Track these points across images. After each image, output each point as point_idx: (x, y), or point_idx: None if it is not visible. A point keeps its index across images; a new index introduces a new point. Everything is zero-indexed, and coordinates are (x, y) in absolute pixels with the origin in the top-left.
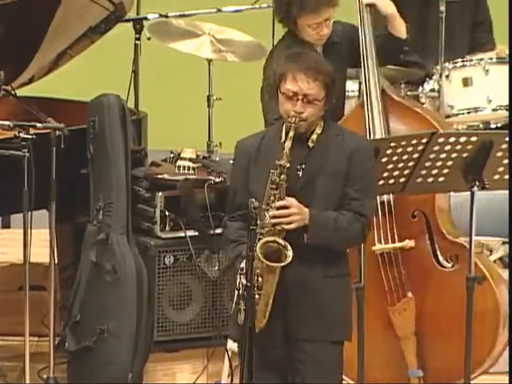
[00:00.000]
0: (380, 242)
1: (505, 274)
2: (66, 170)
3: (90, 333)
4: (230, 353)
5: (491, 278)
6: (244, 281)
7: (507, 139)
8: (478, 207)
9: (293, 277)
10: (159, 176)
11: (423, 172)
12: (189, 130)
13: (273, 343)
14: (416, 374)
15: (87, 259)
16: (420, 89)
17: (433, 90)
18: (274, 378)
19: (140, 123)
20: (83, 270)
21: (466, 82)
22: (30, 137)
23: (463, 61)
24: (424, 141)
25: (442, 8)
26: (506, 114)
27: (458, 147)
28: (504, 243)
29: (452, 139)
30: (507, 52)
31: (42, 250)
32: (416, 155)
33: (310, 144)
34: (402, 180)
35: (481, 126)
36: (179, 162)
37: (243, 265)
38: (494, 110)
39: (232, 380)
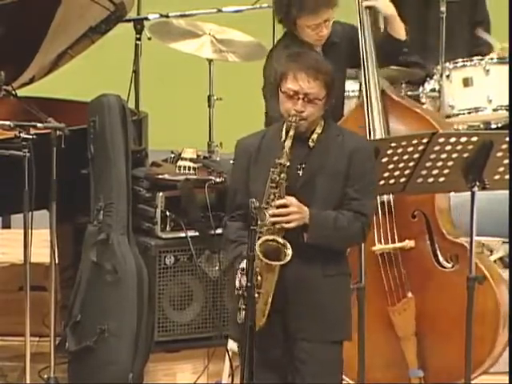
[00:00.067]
0: (380, 242)
1: (505, 274)
2: (67, 170)
3: (91, 333)
4: (230, 353)
5: (491, 278)
6: (244, 280)
7: (507, 139)
8: (479, 207)
9: (292, 275)
10: (160, 176)
11: (424, 172)
12: (189, 130)
13: (273, 342)
14: (416, 373)
15: (88, 259)
16: (420, 89)
17: (433, 90)
18: (274, 377)
19: (140, 123)
20: (84, 270)
21: (467, 82)
22: (31, 137)
23: (464, 61)
24: (424, 141)
25: (443, 8)
26: (507, 114)
27: (459, 147)
28: (504, 243)
29: (452, 139)
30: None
31: (42, 250)
32: (416, 155)
33: (311, 143)
34: (402, 180)
35: (481, 126)
36: (180, 162)
37: (243, 265)
38: (494, 110)
39: (233, 380)
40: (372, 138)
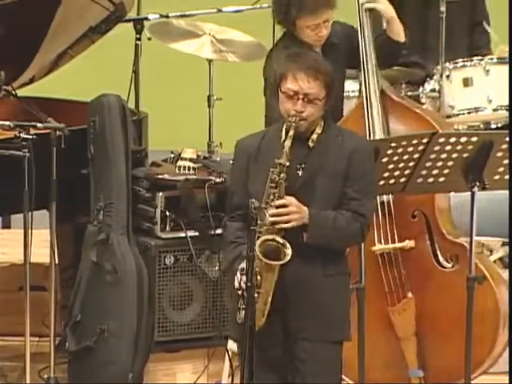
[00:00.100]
0: (380, 242)
1: (505, 274)
2: (67, 170)
3: (91, 333)
4: (230, 353)
5: (491, 279)
6: (244, 280)
7: (507, 139)
8: (479, 207)
9: (292, 275)
10: (160, 176)
11: (424, 172)
12: (189, 130)
13: (272, 342)
14: (416, 374)
15: (88, 259)
16: (420, 89)
17: (433, 90)
18: (274, 377)
19: (140, 123)
20: (84, 270)
21: (467, 82)
22: (31, 137)
23: (464, 61)
24: (425, 141)
25: (443, 8)
26: (507, 114)
27: (459, 147)
28: (504, 244)
29: (452, 139)
30: (507, 50)
31: (42, 250)
32: (416, 155)
33: (310, 144)
34: (402, 180)
35: (481, 126)
36: (180, 162)
37: (243, 265)
38: (494, 110)
39: (232, 380)
40: (372, 138)
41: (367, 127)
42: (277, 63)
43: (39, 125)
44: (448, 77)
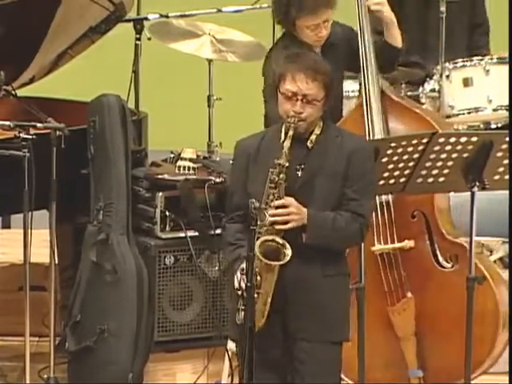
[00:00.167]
0: (379, 242)
1: (505, 274)
2: (67, 170)
3: (91, 333)
4: (230, 353)
5: (491, 279)
6: (244, 281)
7: (507, 139)
8: (478, 207)
9: (292, 276)
10: (159, 176)
11: (423, 172)
12: (189, 130)
13: (272, 343)
14: (416, 374)
15: (87, 259)
16: (420, 89)
17: (433, 90)
18: (274, 377)
19: (140, 123)
20: (83, 270)
21: (467, 82)
22: (31, 137)
23: (463, 61)
24: (424, 141)
25: (443, 8)
26: (507, 114)
27: (459, 147)
28: (504, 242)
29: (452, 139)
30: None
31: (42, 250)
32: (416, 155)
33: (309, 144)
34: (402, 180)
35: (481, 126)
36: (179, 162)
37: (243, 265)
38: (494, 110)
39: (232, 380)
40: (371, 138)
41: (367, 127)
42: (276, 64)
43: (39, 125)
44: (448, 77)
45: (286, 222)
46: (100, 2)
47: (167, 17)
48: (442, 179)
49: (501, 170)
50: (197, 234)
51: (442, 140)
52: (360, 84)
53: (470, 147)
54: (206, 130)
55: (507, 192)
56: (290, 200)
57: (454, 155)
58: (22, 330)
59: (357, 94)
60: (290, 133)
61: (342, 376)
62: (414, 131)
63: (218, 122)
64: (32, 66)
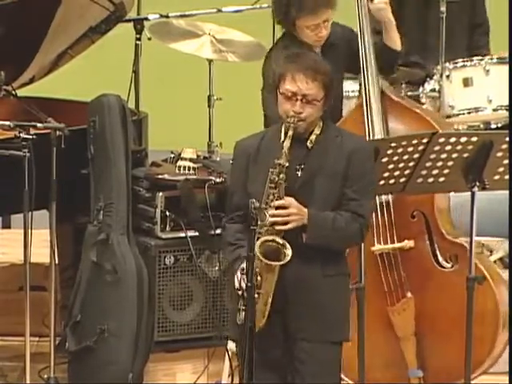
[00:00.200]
0: (379, 242)
1: (505, 274)
2: (67, 170)
3: (91, 333)
4: (230, 353)
5: (491, 279)
6: (244, 281)
7: (507, 139)
8: (479, 207)
9: (292, 276)
10: (160, 176)
11: (424, 172)
12: (189, 130)
13: (272, 343)
14: (416, 374)
15: (88, 259)
16: (420, 89)
17: (433, 90)
18: (274, 378)
19: (140, 123)
20: (84, 270)
21: (467, 82)
22: (31, 137)
23: (464, 61)
24: (425, 141)
25: (443, 8)
26: (507, 114)
27: (459, 147)
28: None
29: (452, 139)
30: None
31: (42, 250)
32: (416, 155)
33: (309, 144)
34: (402, 180)
35: (481, 126)
36: (180, 162)
37: (244, 265)
38: (494, 110)
39: (232, 380)
40: (371, 138)
41: (367, 127)
42: (276, 64)
43: (39, 125)
44: (448, 77)
45: (286, 223)
46: (100, 1)
47: (167, 17)
48: (442, 179)
49: (501, 170)
50: (197, 233)
51: (442, 140)
52: (360, 84)
53: (470, 147)
54: (206, 129)
55: (507, 192)
56: (290, 200)
57: (454, 155)
58: (22, 329)
59: (357, 94)
60: (290, 133)
61: (342, 376)
62: (413, 131)
63: (218, 121)
64: (32, 65)
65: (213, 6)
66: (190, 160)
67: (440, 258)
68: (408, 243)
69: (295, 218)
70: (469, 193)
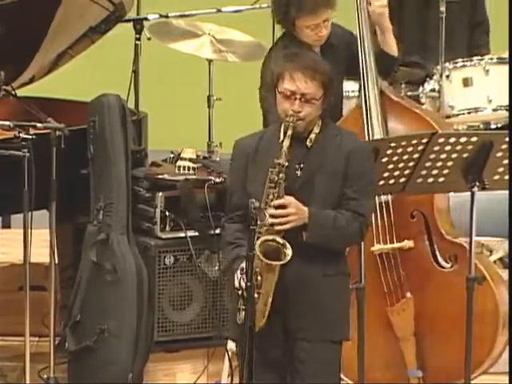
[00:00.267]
0: (379, 242)
1: (505, 274)
2: (66, 170)
3: (91, 333)
4: (230, 353)
5: (491, 279)
6: (244, 281)
7: (507, 139)
8: (478, 207)
9: (292, 275)
10: (159, 176)
11: (423, 172)
12: (189, 130)
13: (272, 342)
14: (415, 374)
15: (87, 259)
16: (420, 89)
17: (433, 90)
18: (274, 377)
19: (140, 123)
20: (83, 270)
21: (467, 82)
22: (30, 137)
23: (463, 61)
24: (424, 141)
25: (443, 8)
26: (506, 114)
27: (459, 147)
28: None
29: (452, 139)
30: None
31: (42, 250)
32: (416, 155)
33: (308, 143)
34: (402, 180)
35: (481, 126)
36: (179, 162)
37: (243, 265)
38: (494, 110)
39: (232, 380)
40: (371, 138)
41: (366, 128)
42: (274, 63)
43: (39, 125)
44: (448, 77)
45: (286, 223)
46: (100, 1)
47: (167, 17)
48: (441, 179)
49: (501, 170)
50: (197, 233)
51: (441, 140)
52: (360, 84)
53: (470, 147)
54: (206, 130)
55: (507, 192)
56: (289, 199)
57: (454, 155)
58: (22, 330)
59: (357, 94)
60: (289, 132)
61: (342, 376)
62: (413, 131)
63: (217, 121)
64: (32, 65)
65: (212, 6)
66: (190, 160)
67: (439, 258)
68: (407, 243)
69: (295, 217)
70: (468, 193)
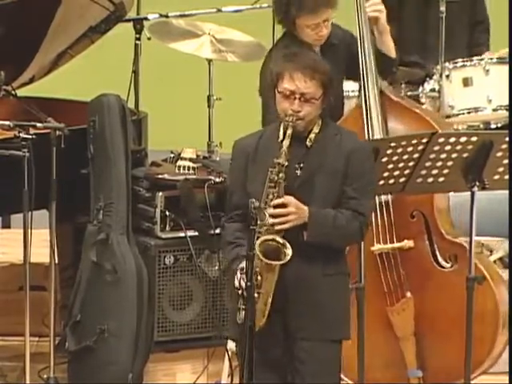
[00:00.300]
0: (379, 242)
1: (505, 274)
2: (66, 169)
3: (91, 333)
4: (230, 353)
5: (491, 279)
6: (244, 281)
7: (507, 139)
8: (478, 207)
9: (292, 275)
10: (159, 176)
11: (423, 172)
12: (189, 130)
13: (273, 342)
14: (415, 374)
15: (87, 259)
16: (420, 89)
17: (433, 90)
18: (274, 377)
19: (140, 123)
20: (83, 270)
21: (467, 82)
22: (30, 137)
23: (463, 61)
24: (424, 141)
25: (443, 8)
26: (506, 113)
27: (459, 147)
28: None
29: (452, 139)
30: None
31: (42, 250)
32: (416, 155)
33: (308, 143)
34: (402, 180)
35: (481, 126)
36: (179, 162)
37: (243, 265)
38: (494, 110)
39: (232, 380)
40: (370, 138)
41: (366, 127)
42: (274, 63)
43: (39, 125)
44: (448, 77)
45: (286, 222)
46: (100, 1)
47: (167, 17)
48: (441, 179)
49: (501, 169)
50: (197, 233)
51: (441, 140)
52: (360, 84)
53: (470, 147)
54: (206, 130)
55: (507, 192)
56: (289, 199)
57: (454, 155)
58: (22, 329)
59: (357, 93)
60: (289, 132)
61: (342, 376)
62: (413, 131)
63: (218, 122)
64: (32, 65)
65: (212, 6)
66: (190, 160)
67: (439, 258)
68: (407, 243)
69: (295, 216)
70: (468, 193)
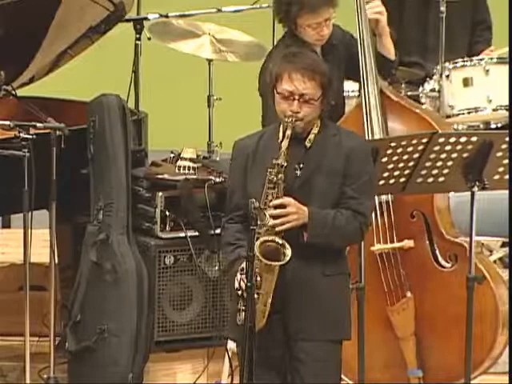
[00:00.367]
0: (379, 242)
1: (505, 274)
2: (67, 170)
3: (91, 333)
4: (230, 353)
5: (490, 279)
6: (244, 281)
7: (507, 139)
8: (478, 207)
9: (292, 275)
10: (159, 176)
11: (423, 172)
12: (189, 130)
13: (272, 342)
14: (415, 373)
15: (87, 259)
16: (420, 89)
17: (433, 90)
18: (274, 377)
19: (140, 123)
20: (83, 270)
21: (467, 82)
22: (31, 137)
23: (463, 61)
24: (424, 141)
25: (443, 8)
26: (507, 114)
27: (459, 147)
28: (504, 244)
29: (452, 139)
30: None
31: (42, 250)
32: (416, 155)
33: (308, 143)
34: (402, 180)
35: (481, 126)
36: (179, 162)
37: (243, 265)
38: (494, 110)
39: (232, 380)
40: (370, 138)
41: (366, 127)
42: (273, 63)
43: (39, 125)
44: (448, 77)
45: (286, 223)
46: (100, 1)
47: (167, 17)
48: (441, 179)
49: (501, 169)
50: (197, 233)
51: (441, 140)
52: (360, 85)
53: (470, 147)
54: (206, 130)
55: (507, 192)
56: (289, 200)
57: (454, 155)
58: (22, 329)
59: (357, 93)
60: (288, 132)
61: (342, 376)
62: (413, 131)
63: (218, 122)
64: (32, 66)
65: (212, 6)
66: (190, 160)
67: (440, 258)
68: (408, 243)
69: (295, 216)
70: (469, 193)
